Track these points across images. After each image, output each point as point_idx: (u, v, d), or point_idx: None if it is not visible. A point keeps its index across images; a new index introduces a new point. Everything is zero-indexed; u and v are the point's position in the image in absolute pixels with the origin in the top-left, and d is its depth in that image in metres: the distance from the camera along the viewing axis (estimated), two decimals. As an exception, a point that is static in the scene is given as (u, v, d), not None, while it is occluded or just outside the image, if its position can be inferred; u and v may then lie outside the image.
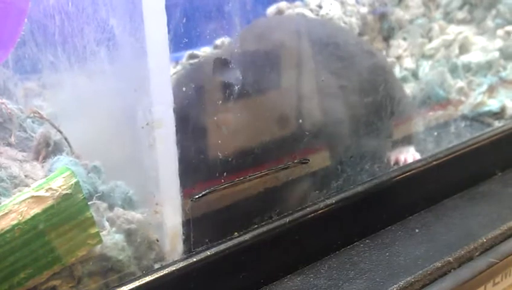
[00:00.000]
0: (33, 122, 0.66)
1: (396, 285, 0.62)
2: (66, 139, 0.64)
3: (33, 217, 0.50)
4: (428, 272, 0.64)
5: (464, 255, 0.67)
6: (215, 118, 0.63)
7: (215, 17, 0.67)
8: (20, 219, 0.50)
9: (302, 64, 0.74)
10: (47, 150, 0.63)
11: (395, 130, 0.85)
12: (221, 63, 0.64)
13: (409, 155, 0.82)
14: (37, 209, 0.51)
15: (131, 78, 0.57)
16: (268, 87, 0.69)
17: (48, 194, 0.51)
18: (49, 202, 0.51)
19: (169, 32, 0.56)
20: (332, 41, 0.79)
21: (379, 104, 0.81)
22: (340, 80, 0.76)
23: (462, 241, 0.69)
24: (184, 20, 0.58)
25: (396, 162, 0.82)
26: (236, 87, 0.63)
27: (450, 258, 0.66)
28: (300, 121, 0.69)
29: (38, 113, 0.66)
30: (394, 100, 0.82)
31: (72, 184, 0.52)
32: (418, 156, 0.82)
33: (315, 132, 0.70)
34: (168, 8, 0.55)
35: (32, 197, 0.51)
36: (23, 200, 0.51)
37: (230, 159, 0.64)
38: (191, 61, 0.81)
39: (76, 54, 0.63)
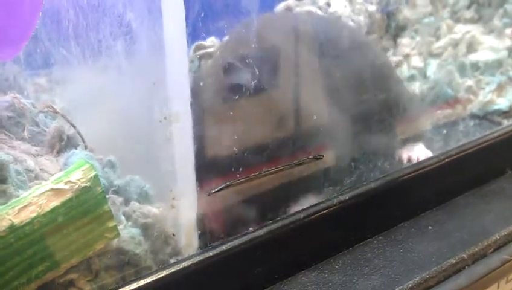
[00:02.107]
0: (45, 117, 0.66)
1: (412, 281, 0.62)
2: (79, 133, 0.64)
3: (52, 210, 0.50)
4: (443, 269, 0.64)
5: (478, 252, 0.67)
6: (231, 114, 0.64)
7: (228, 12, 0.67)
8: (40, 211, 0.50)
9: (304, 64, 0.74)
10: (60, 144, 0.63)
11: (404, 128, 0.85)
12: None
13: (421, 153, 0.82)
14: (56, 202, 0.50)
15: (149, 72, 0.57)
16: (273, 86, 0.70)
17: (67, 187, 0.51)
18: (68, 195, 0.51)
19: (187, 26, 0.56)
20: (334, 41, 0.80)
21: (380, 103, 0.81)
22: (339, 79, 0.76)
23: (476, 238, 0.69)
24: (202, 14, 0.58)
25: (409, 161, 0.82)
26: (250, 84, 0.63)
27: (464, 255, 0.66)
28: (315, 117, 0.69)
29: (52, 107, 0.65)
30: (395, 100, 0.83)
31: (91, 177, 0.52)
32: (429, 154, 0.82)
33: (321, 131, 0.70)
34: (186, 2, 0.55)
35: (52, 189, 0.51)
36: (43, 193, 0.50)
37: (245, 155, 0.64)
38: (198, 52, 0.81)
39: (92, 48, 0.63)
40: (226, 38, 0.81)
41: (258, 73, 0.64)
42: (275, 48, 0.71)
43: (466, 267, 0.66)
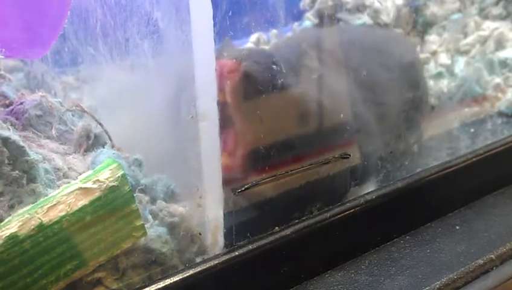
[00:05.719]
0: (73, 115, 0.66)
1: (439, 282, 0.61)
2: (106, 132, 0.64)
3: (80, 209, 0.50)
4: (471, 269, 0.63)
5: (506, 253, 0.66)
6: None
7: (256, 9, 0.66)
8: (68, 210, 0.50)
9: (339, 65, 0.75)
10: (88, 143, 0.63)
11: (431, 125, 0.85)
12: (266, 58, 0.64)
13: None
14: (84, 201, 0.51)
15: (176, 71, 0.57)
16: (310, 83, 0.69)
17: (95, 186, 0.51)
18: (96, 194, 0.51)
19: (214, 25, 0.55)
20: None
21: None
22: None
23: (504, 239, 0.68)
24: (230, 13, 0.58)
25: None
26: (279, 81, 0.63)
27: (492, 256, 0.65)
28: (342, 115, 0.69)
29: (80, 106, 0.66)
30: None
31: (118, 176, 0.52)
32: None
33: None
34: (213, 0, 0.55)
35: (80, 188, 0.51)
36: (71, 192, 0.51)
37: (272, 153, 0.63)
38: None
39: (119, 47, 0.63)
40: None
41: (285, 72, 0.64)
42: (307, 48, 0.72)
43: (494, 268, 0.65)
